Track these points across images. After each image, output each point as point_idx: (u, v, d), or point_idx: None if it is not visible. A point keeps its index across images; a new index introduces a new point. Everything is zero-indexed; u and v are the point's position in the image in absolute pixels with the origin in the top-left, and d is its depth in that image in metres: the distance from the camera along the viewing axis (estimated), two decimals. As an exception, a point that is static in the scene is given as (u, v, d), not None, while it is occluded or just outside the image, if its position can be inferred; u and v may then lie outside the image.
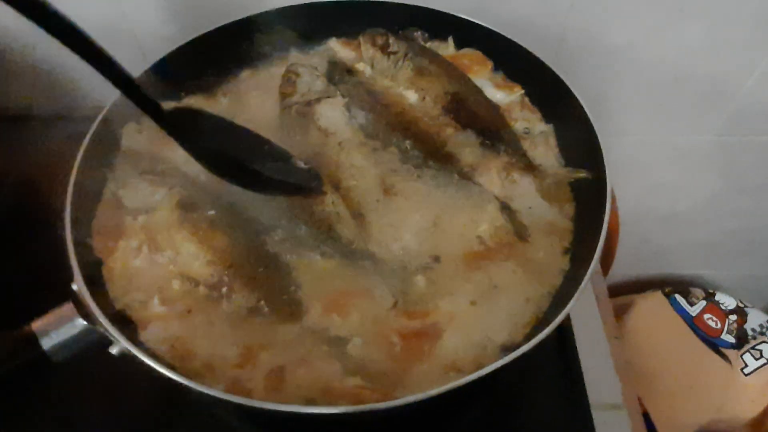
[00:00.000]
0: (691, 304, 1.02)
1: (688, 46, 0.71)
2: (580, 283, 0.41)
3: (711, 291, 1.04)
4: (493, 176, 0.52)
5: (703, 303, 1.02)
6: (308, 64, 0.59)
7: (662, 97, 0.78)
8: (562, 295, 0.45)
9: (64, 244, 0.43)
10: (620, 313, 1.04)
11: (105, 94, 0.53)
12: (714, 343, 0.98)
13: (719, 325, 1.00)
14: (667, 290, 1.04)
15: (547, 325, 0.40)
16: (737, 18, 0.68)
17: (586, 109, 0.52)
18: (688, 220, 1.00)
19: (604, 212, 0.45)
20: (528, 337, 0.42)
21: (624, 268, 1.10)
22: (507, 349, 0.42)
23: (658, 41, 0.71)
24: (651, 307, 1.03)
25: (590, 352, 0.58)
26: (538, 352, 0.38)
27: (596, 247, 0.43)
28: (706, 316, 1.01)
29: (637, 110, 0.81)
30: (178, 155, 0.54)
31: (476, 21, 0.61)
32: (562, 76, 0.55)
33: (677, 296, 1.03)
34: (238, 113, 0.57)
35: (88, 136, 0.50)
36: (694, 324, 1.00)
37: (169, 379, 0.37)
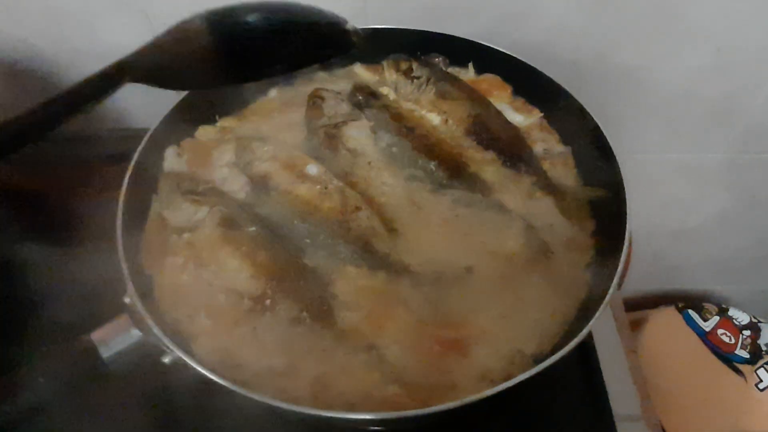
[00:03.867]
0: (705, 320, 1.02)
1: (697, 68, 0.74)
2: (605, 296, 0.43)
3: (724, 306, 1.04)
4: (516, 196, 0.54)
5: (717, 318, 1.02)
6: (331, 89, 0.62)
7: (672, 116, 0.81)
8: (586, 307, 0.47)
9: (116, 261, 0.45)
10: (634, 328, 1.04)
11: (149, 115, 0.56)
12: (728, 359, 0.98)
13: (733, 341, 1.00)
14: (680, 305, 1.04)
15: (574, 337, 0.42)
16: (744, 41, 0.71)
17: (603, 130, 0.55)
18: (700, 235, 1.02)
19: (624, 229, 0.47)
20: (555, 349, 0.44)
21: (637, 283, 1.11)
22: (536, 360, 0.44)
23: (667, 63, 0.74)
24: (665, 322, 1.03)
25: (610, 365, 0.60)
26: (562, 364, 0.40)
27: (618, 259, 0.45)
28: (720, 331, 1.01)
29: (648, 129, 0.83)
30: (216, 175, 0.57)
31: (494, 46, 0.63)
32: (578, 98, 0.57)
33: (691, 311, 1.03)
34: (268, 132, 0.61)
35: (134, 159, 0.53)
36: (707, 339, 1.00)
37: (220, 387, 0.39)
